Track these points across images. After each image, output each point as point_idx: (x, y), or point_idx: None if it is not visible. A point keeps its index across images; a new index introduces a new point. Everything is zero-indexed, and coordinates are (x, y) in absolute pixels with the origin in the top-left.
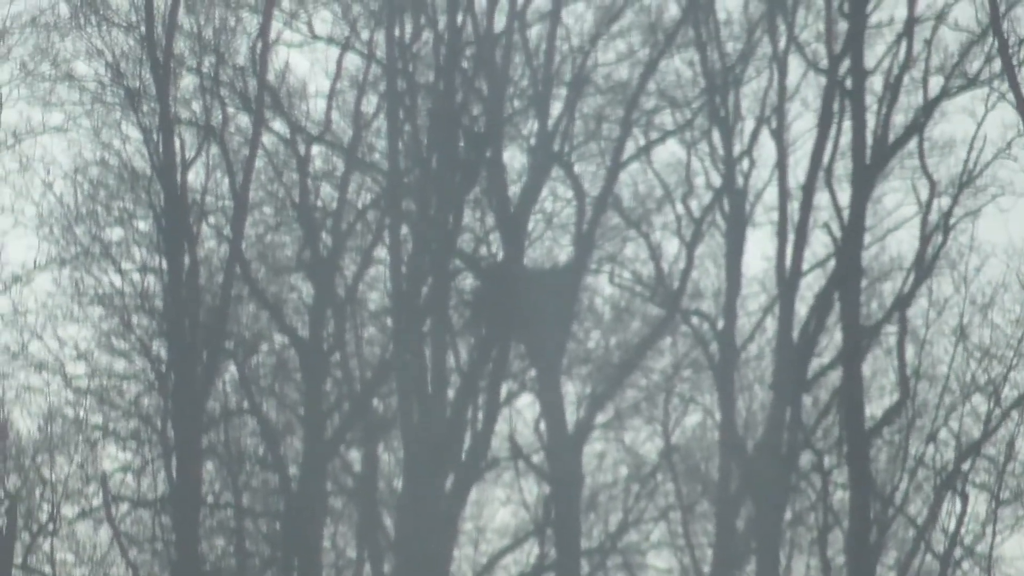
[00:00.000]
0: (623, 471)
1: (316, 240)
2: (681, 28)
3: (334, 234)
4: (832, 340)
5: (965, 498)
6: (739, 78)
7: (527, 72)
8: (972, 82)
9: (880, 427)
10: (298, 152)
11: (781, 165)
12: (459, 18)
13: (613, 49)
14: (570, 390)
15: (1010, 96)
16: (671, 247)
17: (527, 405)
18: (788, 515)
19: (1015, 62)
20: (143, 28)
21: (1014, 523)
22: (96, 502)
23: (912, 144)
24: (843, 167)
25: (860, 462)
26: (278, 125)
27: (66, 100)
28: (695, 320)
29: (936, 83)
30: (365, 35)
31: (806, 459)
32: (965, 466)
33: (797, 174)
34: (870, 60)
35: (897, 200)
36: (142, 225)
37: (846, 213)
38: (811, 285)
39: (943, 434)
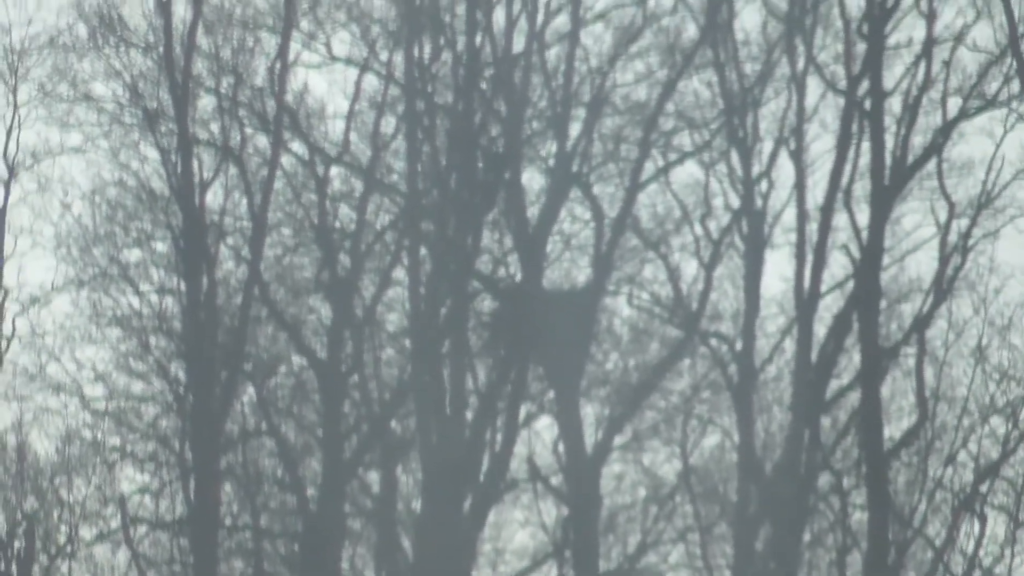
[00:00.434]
0: (641, 492)
1: (334, 261)
2: (699, 49)
3: (352, 255)
4: (851, 362)
5: (984, 520)
6: (757, 99)
7: (546, 93)
8: (990, 103)
9: (899, 449)
10: (317, 173)
11: (799, 186)
12: (478, 39)
13: (632, 70)
14: (588, 412)
15: None
16: (689, 268)
17: (545, 427)
18: (807, 536)
19: None
20: (161, 49)
21: None
22: (114, 524)
23: (931, 165)
24: (862, 188)
25: (879, 483)
26: (297, 146)
27: (84, 121)
28: (713, 342)
29: (954, 104)
30: (384, 56)
31: (825, 480)
32: (983, 488)
33: (816, 195)
34: (889, 81)
35: (916, 221)
36: (160, 246)
37: (865, 234)
38: (830, 306)
39: (962, 456)
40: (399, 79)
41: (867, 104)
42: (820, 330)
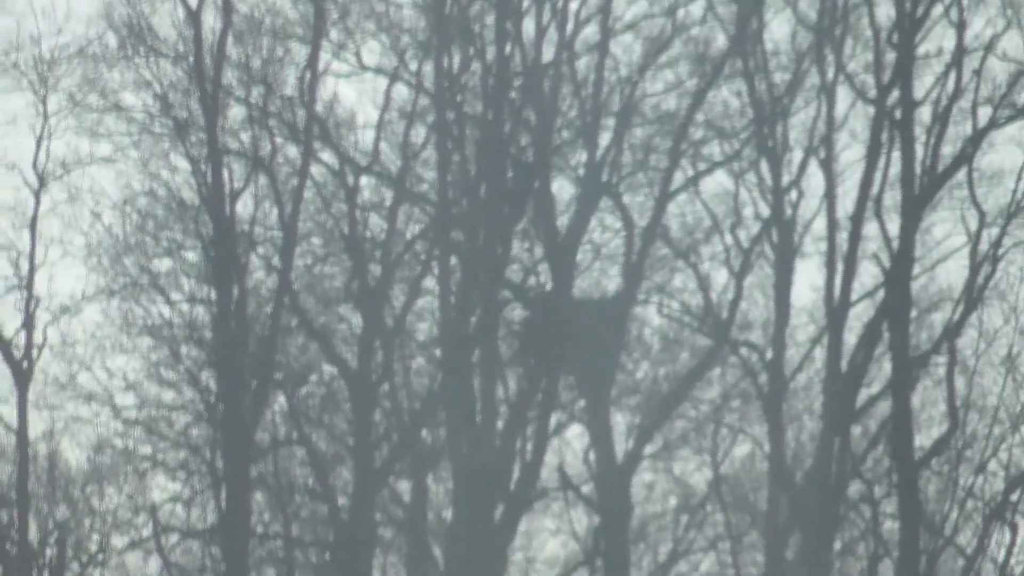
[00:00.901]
0: (672, 502)
1: (365, 271)
2: (729, 59)
3: (383, 265)
4: (881, 371)
5: (1014, 528)
6: (787, 108)
7: (575, 103)
8: (1021, 112)
9: (929, 457)
10: (347, 183)
11: (830, 195)
12: (508, 49)
13: (661, 79)
14: (619, 421)
15: None
16: (720, 278)
17: (576, 436)
18: (837, 545)
19: None
20: (191, 59)
21: None
22: (145, 533)
23: (961, 174)
24: (892, 197)
25: (909, 492)
26: (327, 156)
27: (114, 131)
28: (744, 351)
29: (985, 113)
30: (413, 66)
31: (855, 489)
32: (1014, 496)
33: (846, 204)
34: (919, 90)
35: (946, 230)
36: (191, 256)
37: (895, 243)
38: (860, 315)
39: (992, 464)
40: (429, 89)
41: (897, 113)
42: (850, 339)
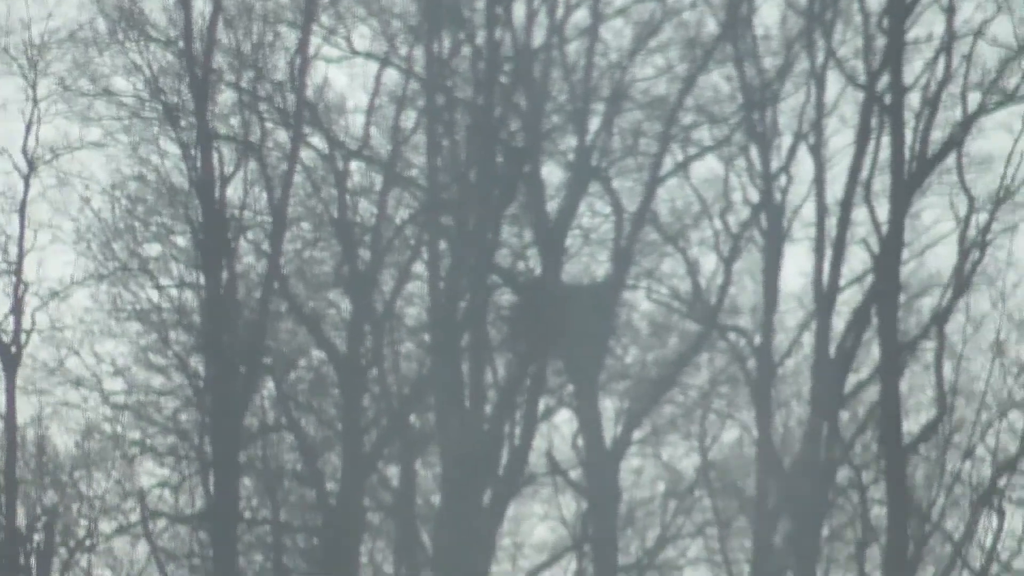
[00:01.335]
0: (660, 487)
1: (354, 256)
2: (719, 44)
3: (372, 250)
4: (869, 356)
5: (1002, 514)
6: (777, 94)
7: (565, 87)
8: (1010, 98)
9: (917, 443)
10: (336, 167)
11: (819, 181)
12: (498, 33)
13: (651, 64)
14: (608, 406)
15: None
16: (708, 263)
17: (565, 421)
18: (825, 531)
19: None
20: (181, 43)
21: None
22: (134, 518)
23: (950, 160)
24: (881, 183)
25: (897, 478)
26: (317, 140)
27: (104, 116)
28: (732, 336)
29: (974, 99)
30: (404, 50)
31: (843, 475)
32: (1002, 482)
33: (835, 190)
34: (908, 76)
35: (935, 216)
36: (180, 241)
37: (884, 229)
38: (848, 301)
39: (980, 450)
40: (419, 73)
41: (887, 99)
42: (839, 324)
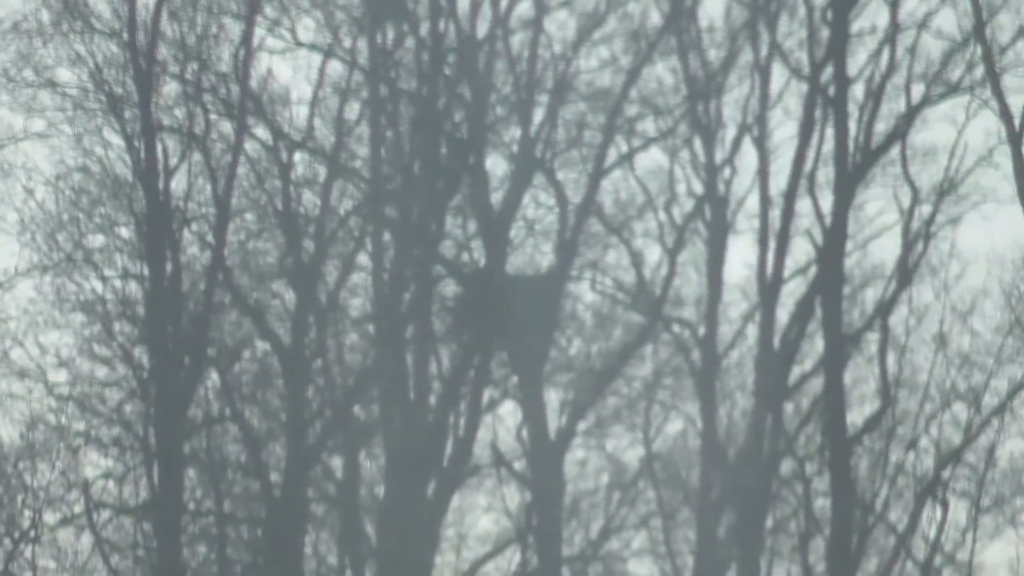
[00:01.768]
0: (604, 478)
1: (298, 247)
2: (663, 35)
3: (316, 241)
4: (813, 347)
5: (945, 505)
6: (721, 85)
7: (510, 79)
8: (954, 89)
9: (861, 434)
10: (280, 159)
11: (763, 172)
12: (441, 25)
13: (596, 56)
14: (552, 397)
15: (992, 103)
16: (653, 254)
17: (509, 412)
18: (769, 522)
19: (998, 69)
20: (125, 35)
21: (994, 531)
22: (78, 509)
23: (894, 151)
24: (825, 174)
25: (841, 469)
26: (261, 132)
27: (48, 107)
28: (676, 327)
29: (918, 90)
30: (348, 42)
31: (787, 466)
32: (945, 474)
33: (779, 181)
34: (852, 67)
35: (879, 207)
36: (124, 232)
37: (828, 220)
38: (793, 292)
39: (924, 442)
40: (363, 65)
41: (831, 90)
42: (783, 316)
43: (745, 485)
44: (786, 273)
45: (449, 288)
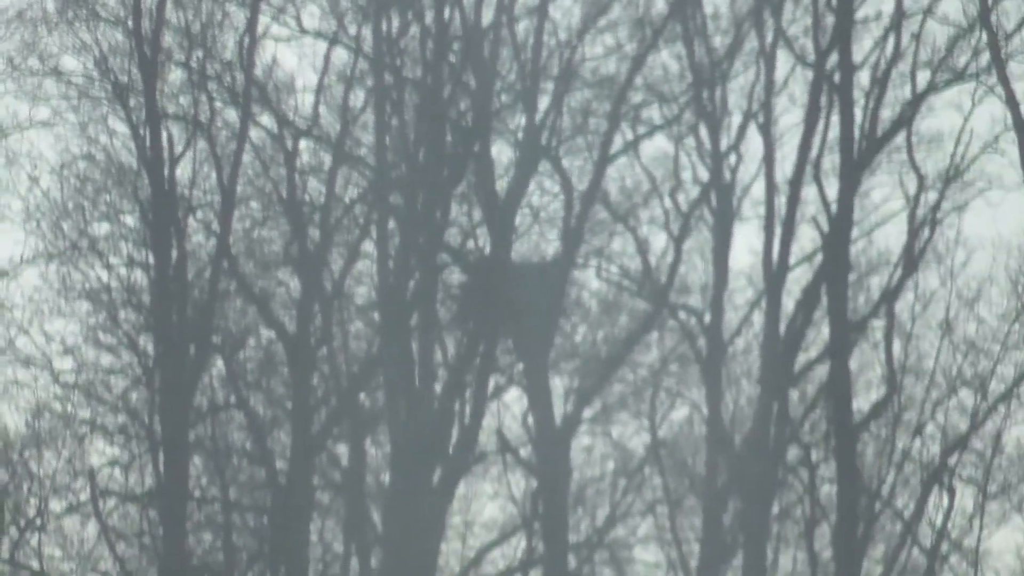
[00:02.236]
0: (610, 465)
1: (303, 235)
2: (668, 23)
3: (321, 228)
4: (819, 334)
5: (952, 492)
6: (726, 73)
7: (515, 66)
8: (959, 76)
9: (867, 421)
10: (286, 147)
11: (768, 160)
12: (446, 12)
13: (601, 43)
14: (557, 384)
15: (998, 90)
16: (658, 241)
17: (514, 399)
18: (775, 509)
19: (1003, 56)
20: (130, 23)
21: (1001, 517)
22: (83, 497)
23: (899, 138)
24: (830, 162)
25: (847, 456)
26: (266, 119)
27: (53, 95)
28: (682, 315)
29: (923, 77)
30: (353, 29)
31: (793, 453)
32: (952, 460)
33: (784, 168)
34: (857, 54)
35: (884, 194)
36: (129, 220)
37: (833, 207)
38: (798, 279)
39: (930, 428)
40: (368, 53)
41: (836, 77)
42: (789, 303)
43: (751, 472)
44: (792, 260)
45: (454, 276)
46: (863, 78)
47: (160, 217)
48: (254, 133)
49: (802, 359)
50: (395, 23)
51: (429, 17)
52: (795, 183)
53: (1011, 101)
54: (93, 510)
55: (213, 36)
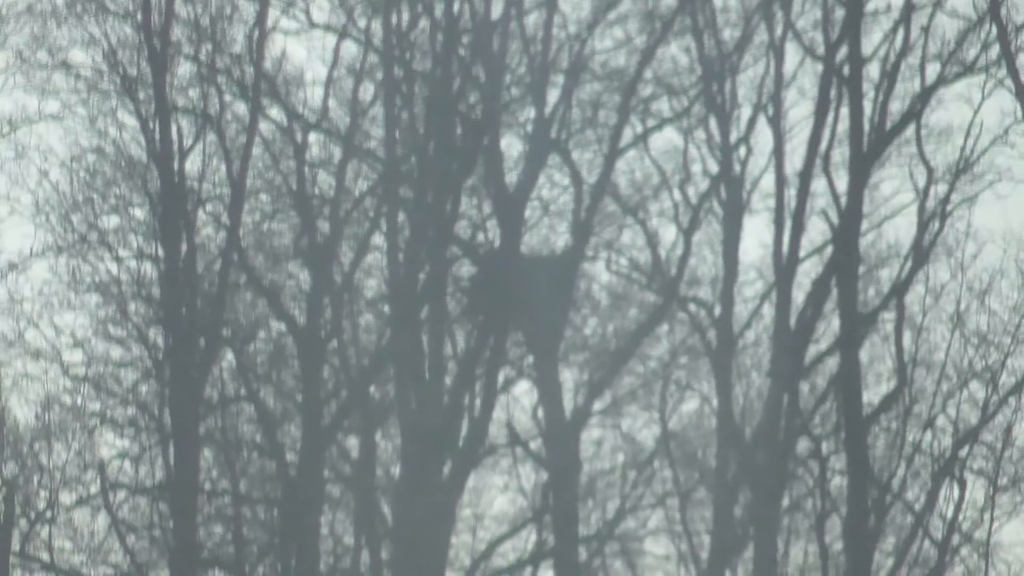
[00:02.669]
0: (620, 458)
1: (313, 227)
2: (678, 15)
3: (331, 221)
4: (829, 327)
5: (963, 484)
6: (736, 65)
7: (524, 59)
8: (969, 69)
9: (878, 414)
10: (295, 140)
11: (778, 152)
12: (456, 6)
13: (610, 36)
14: (567, 377)
15: (1008, 83)
16: (668, 234)
17: (524, 392)
18: (785, 501)
19: (1013, 49)
20: (140, 16)
21: (1012, 509)
22: (94, 489)
23: (909, 131)
24: (840, 154)
25: (858, 449)
26: (275, 113)
27: (62, 88)
28: (692, 307)
29: (933, 70)
30: (362, 23)
31: (803, 446)
32: (963, 452)
33: (794, 161)
34: (867, 47)
35: (894, 187)
36: (139, 213)
37: (843, 200)
38: (808, 272)
39: (941, 420)
40: (377, 46)
41: (846, 70)
42: (799, 295)
43: (761, 464)
44: (802, 253)
45: (464, 268)
46: (873, 71)
47: (170, 210)
48: (263, 126)
49: (812, 351)
50: (405, 16)
51: (439, 10)
52: (805, 176)
53: (1020, 94)
54: (103, 503)
55: (222, 29)
